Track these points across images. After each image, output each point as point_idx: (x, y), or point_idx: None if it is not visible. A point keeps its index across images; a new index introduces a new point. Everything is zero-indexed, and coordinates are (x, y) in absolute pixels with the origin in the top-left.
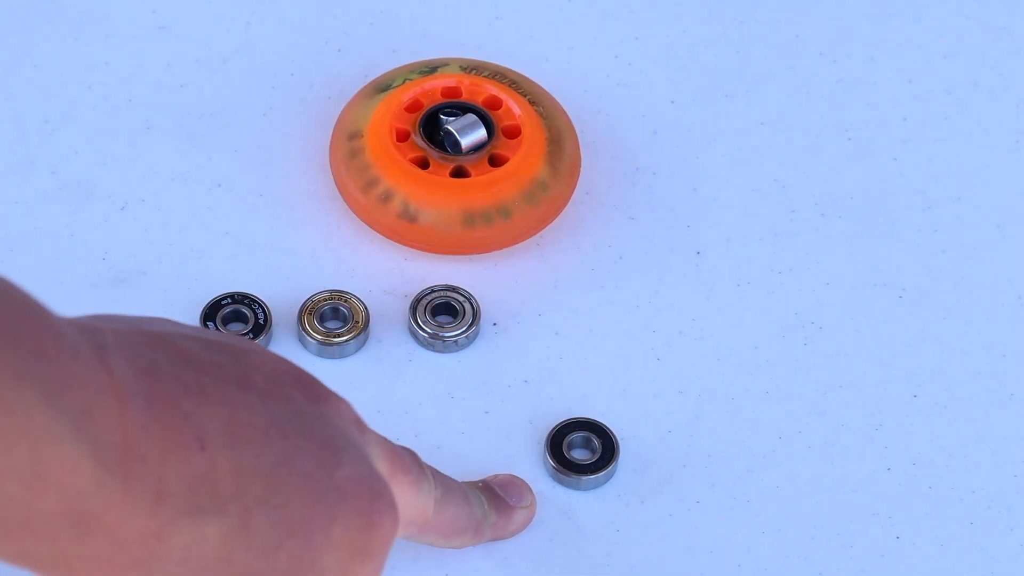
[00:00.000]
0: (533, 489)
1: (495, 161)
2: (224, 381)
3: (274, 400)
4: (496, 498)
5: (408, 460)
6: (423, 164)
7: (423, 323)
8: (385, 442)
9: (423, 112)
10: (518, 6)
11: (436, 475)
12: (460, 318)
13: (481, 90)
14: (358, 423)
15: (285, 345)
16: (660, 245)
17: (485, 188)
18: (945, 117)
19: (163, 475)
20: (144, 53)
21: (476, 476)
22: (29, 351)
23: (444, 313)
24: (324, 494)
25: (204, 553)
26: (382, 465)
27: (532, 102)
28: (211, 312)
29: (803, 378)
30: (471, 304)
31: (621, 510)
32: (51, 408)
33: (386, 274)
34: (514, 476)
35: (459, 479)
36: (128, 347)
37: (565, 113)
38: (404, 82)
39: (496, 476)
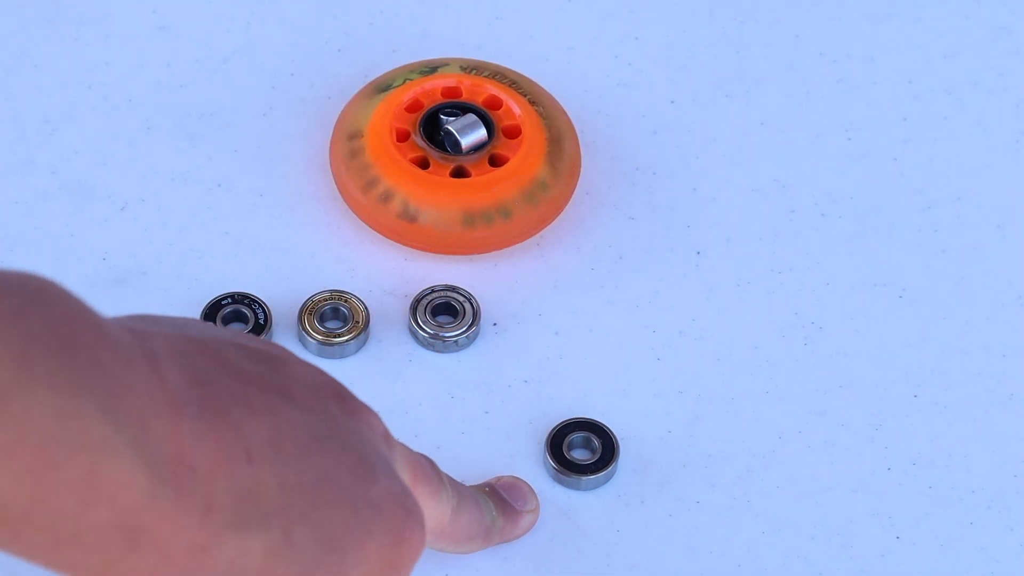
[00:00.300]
0: (533, 489)
1: (495, 161)
2: (268, 392)
3: (314, 414)
4: (503, 503)
5: (428, 470)
6: (423, 164)
7: (423, 323)
8: (408, 453)
9: (423, 112)
10: (518, 6)
11: (451, 483)
12: (460, 318)
13: (481, 90)
14: (386, 436)
15: (285, 345)
16: (660, 245)
17: (485, 188)
18: (945, 117)
19: (212, 487)
20: (144, 53)
21: (477, 476)
22: (86, 362)
23: (444, 313)
24: (360, 511)
25: (247, 567)
26: (405, 476)
27: (532, 102)
28: (211, 312)
29: (803, 378)
30: (471, 304)
31: (621, 510)
32: (108, 422)
33: (386, 274)
34: (518, 479)
35: (460, 480)
36: (178, 354)
37: (565, 113)
38: (404, 82)
39: (500, 479)
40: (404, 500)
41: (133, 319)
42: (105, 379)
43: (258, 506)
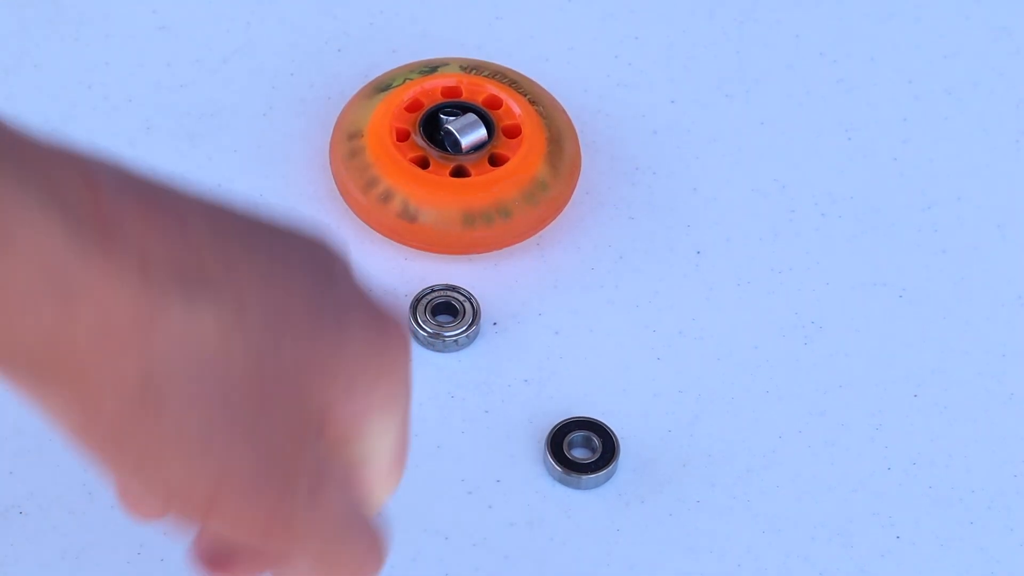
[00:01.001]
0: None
1: (495, 161)
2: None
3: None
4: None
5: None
6: (423, 164)
7: (423, 323)
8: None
9: (423, 112)
10: (518, 6)
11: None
12: (460, 318)
13: (481, 90)
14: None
15: None
16: (660, 245)
17: (485, 188)
18: (945, 117)
19: (145, 245)
20: (144, 53)
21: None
22: (3, 145)
23: (444, 313)
24: (326, 304)
25: (203, 344)
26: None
27: (532, 102)
28: None
29: (803, 378)
30: (471, 304)
31: (621, 510)
32: (21, 185)
33: (386, 274)
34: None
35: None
36: (121, 179)
37: (565, 113)
38: (404, 82)
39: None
40: (376, 302)
41: None
42: (23, 161)
43: (201, 274)
